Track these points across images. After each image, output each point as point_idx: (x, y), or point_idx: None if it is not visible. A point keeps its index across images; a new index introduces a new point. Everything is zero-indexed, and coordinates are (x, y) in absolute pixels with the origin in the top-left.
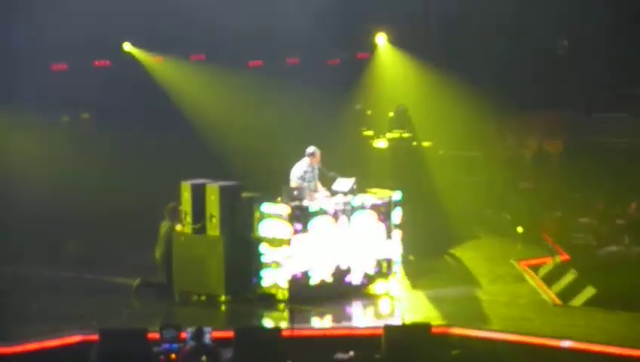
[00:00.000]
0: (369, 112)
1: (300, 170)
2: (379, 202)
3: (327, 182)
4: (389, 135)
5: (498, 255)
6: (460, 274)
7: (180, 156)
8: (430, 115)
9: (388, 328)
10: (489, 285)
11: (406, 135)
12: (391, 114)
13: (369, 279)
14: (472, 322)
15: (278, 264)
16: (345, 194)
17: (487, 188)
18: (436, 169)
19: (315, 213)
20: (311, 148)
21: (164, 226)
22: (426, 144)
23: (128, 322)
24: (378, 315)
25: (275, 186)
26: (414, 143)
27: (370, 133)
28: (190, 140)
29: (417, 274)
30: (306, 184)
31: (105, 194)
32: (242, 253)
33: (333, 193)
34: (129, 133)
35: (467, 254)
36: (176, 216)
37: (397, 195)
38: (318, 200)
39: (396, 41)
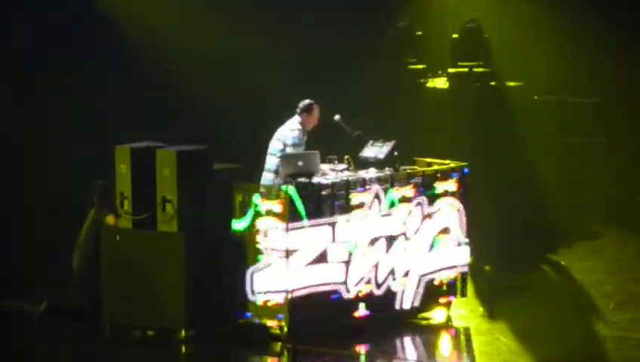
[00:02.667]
0: (419, 33)
1: (294, 133)
2: (435, 178)
3: (351, 148)
4: (452, 69)
5: (630, 264)
6: (568, 294)
7: (111, 103)
8: (519, 38)
9: None
10: (615, 314)
11: (480, 69)
12: (455, 35)
13: (421, 301)
14: None
15: (273, 277)
16: (380, 165)
17: (613, 156)
18: (528, 124)
19: (335, 196)
20: (306, 102)
21: (90, 218)
22: (512, 84)
23: None
24: (435, 358)
25: (262, 154)
26: (493, 83)
27: (420, 66)
28: (127, 81)
29: (498, 294)
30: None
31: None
32: (215, 261)
33: (362, 163)
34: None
35: (579, 262)
36: (109, 201)
37: (463, 169)
38: (334, 174)
39: None
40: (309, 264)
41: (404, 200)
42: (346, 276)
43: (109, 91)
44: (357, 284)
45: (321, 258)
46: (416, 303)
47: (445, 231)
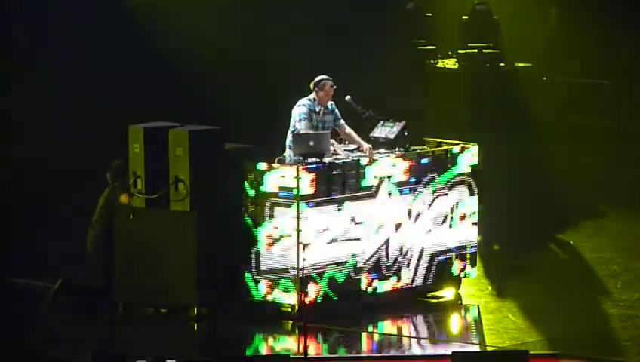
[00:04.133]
0: (429, 14)
1: (301, 109)
2: (445, 158)
3: (360, 128)
4: (461, 51)
5: (637, 244)
6: (576, 273)
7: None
8: (529, 19)
9: (458, 357)
10: (622, 292)
11: (489, 50)
12: (465, 17)
13: (431, 279)
14: (594, 350)
15: (284, 256)
16: (391, 145)
17: (621, 138)
18: (538, 106)
19: (345, 176)
20: (317, 78)
21: (104, 197)
22: (521, 65)
23: (40, 349)
24: (444, 335)
25: (274, 134)
26: (502, 64)
27: (430, 47)
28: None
29: (506, 272)
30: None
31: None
32: (227, 240)
33: (373, 144)
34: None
35: (587, 242)
36: (124, 180)
37: (473, 149)
38: (345, 154)
39: None
40: (320, 242)
41: (414, 180)
42: (358, 254)
43: (124, 70)
44: (367, 262)
45: (334, 236)
46: (426, 281)
47: (454, 210)
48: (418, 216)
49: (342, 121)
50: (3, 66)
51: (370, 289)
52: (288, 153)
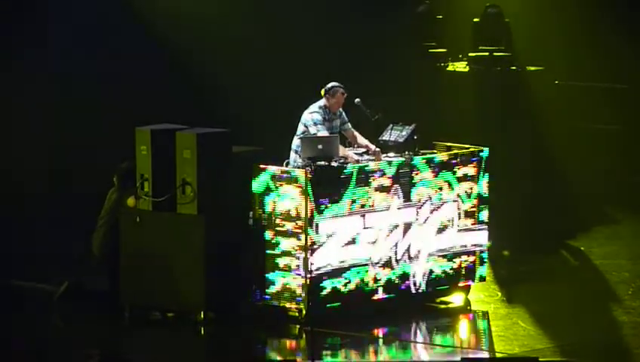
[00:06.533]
0: (440, 17)
1: (313, 115)
2: (454, 162)
3: (369, 131)
4: (472, 54)
5: None
6: (586, 280)
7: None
8: (541, 22)
9: None
10: (634, 299)
11: (500, 54)
12: (477, 19)
13: (439, 285)
14: (605, 358)
15: (292, 260)
16: (400, 149)
17: (635, 143)
18: (549, 109)
19: (355, 180)
20: (330, 85)
21: (110, 198)
22: (532, 69)
23: (46, 353)
24: (453, 341)
25: (283, 138)
26: (514, 67)
27: (441, 50)
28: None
29: (516, 278)
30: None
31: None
32: (234, 243)
33: (382, 147)
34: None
35: (598, 248)
36: (131, 183)
37: (483, 153)
38: (354, 158)
39: None
40: (329, 246)
41: (423, 184)
42: (366, 258)
43: (132, 74)
44: (376, 266)
45: (342, 240)
46: (435, 286)
47: (463, 215)
48: (427, 219)
49: (349, 125)
50: (6, 66)
51: (378, 295)
52: (293, 157)
